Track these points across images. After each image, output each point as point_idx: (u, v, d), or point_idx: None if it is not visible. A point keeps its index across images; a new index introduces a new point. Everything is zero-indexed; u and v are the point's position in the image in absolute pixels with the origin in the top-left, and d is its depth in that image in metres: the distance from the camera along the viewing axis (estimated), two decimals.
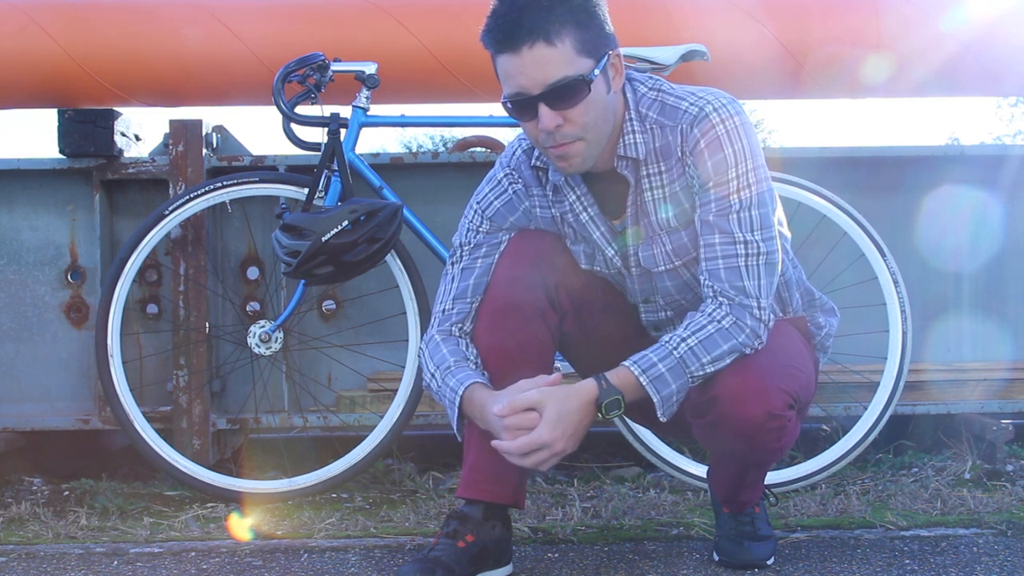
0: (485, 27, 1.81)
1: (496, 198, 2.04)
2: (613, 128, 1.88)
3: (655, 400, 1.80)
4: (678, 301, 2.03)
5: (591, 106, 1.79)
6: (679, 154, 1.89)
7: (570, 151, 1.82)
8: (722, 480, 2.12)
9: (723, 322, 1.84)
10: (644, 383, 1.79)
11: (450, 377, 1.93)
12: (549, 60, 1.75)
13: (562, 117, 1.78)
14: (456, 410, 1.91)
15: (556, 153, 1.83)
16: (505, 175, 2.04)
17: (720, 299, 1.86)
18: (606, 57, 1.81)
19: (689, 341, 1.81)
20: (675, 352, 1.81)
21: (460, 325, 2.01)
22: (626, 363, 1.82)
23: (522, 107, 1.80)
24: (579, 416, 1.79)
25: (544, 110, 1.77)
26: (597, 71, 1.79)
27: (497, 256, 2.02)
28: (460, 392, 1.90)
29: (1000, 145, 8.61)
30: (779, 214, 1.97)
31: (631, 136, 1.90)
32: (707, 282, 1.88)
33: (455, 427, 1.95)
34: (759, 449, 1.89)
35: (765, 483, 2.18)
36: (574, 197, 1.98)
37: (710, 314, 1.85)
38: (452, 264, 2.05)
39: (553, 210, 2.02)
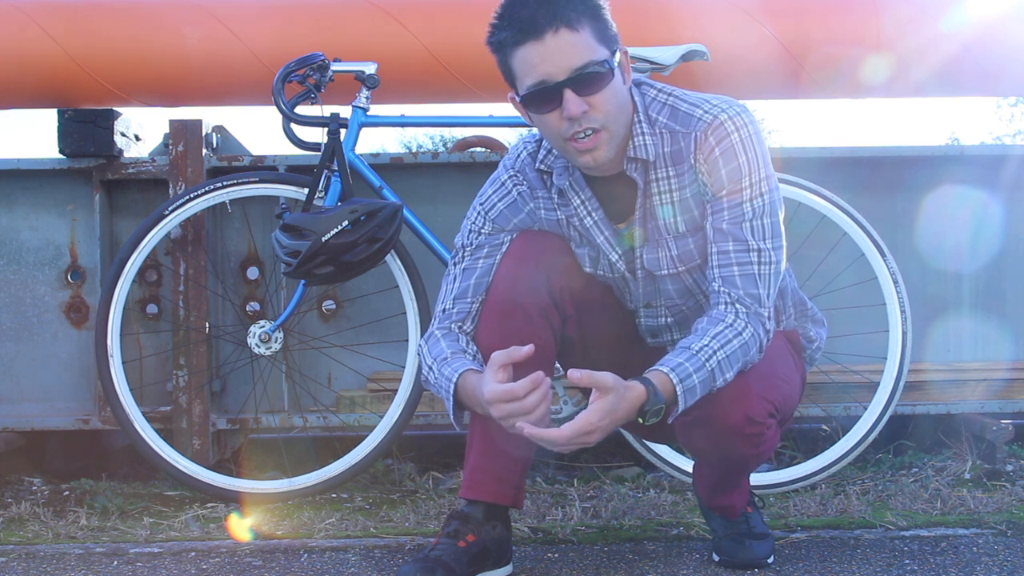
0: (497, 26, 1.80)
1: (500, 200, 2.04)
2: (628, 127, 1.88)
3: (680, 408, 1.77)
4: (679, 306, 2.03)
5: (613, 94, 1.80)
6: (692, 161, 1.89)
7: (596, 142, 1.81)
8: (704, 484, 2.13)
9: (744, 334, 1.83)
10: (679, 393, 1.75)
11: (446, 367, 1.92)
12: (574, 45, 1.76)
13: (587, 103, 1.78)
14: (451, 399, 1.90)
15: (579, 147, 1.81)
16: (509, 177, 2.04)
17: (738, 307, 1.85)
18: (617, 51, 1.83)
19: (719, 355, 1.79)
20: (708, 364, 1.78)
21: (460, 324, 2.01)
22: (663, 370, 1.76)
23: (546, 96, 1.79)
24: (623, 416, 1.73)
25: (570, 95, 1.77)
26: (615, 60, 1.81)
27: (499, 256, 2.02)
28: (454, 380, 1.89)
29: (1000, 145, 8.61)
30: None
31: (640, 138, 1.89)
32: (722, 288, 1.87)
33: (452, 417, 1.93)
34: (735, 453, 1.90)
35: (759, 484, 2.18)
36: (578, 201, 1.98)
37: (731, 324, 1.83)
38: (454, 265, 2.05)
39: (559, 213, 2.01)
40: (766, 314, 1.87)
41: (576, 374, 1.73)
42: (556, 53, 1.76)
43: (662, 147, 1.90)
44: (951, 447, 3.06)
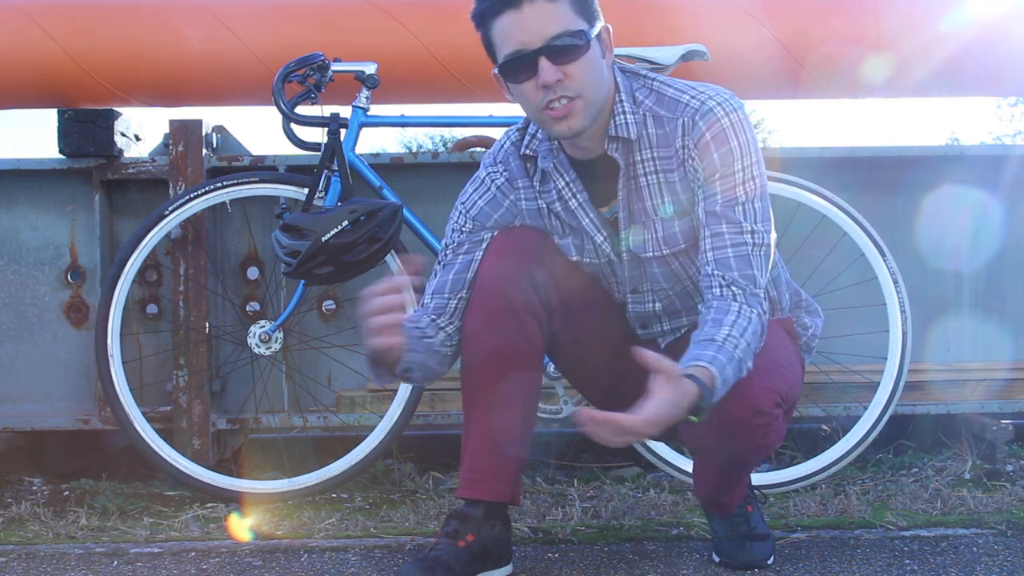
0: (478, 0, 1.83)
1: (480, 197, 2.05)
2: (606, 100, 1.88)
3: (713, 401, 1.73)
4: (666, 291, 2.03)
5: (589, 64, 1.81)
6: (678, 146, 1.90)
7: (571, 109, 1.82)
8: (705, 481, 2.12)
9: (754, 319, 1.82)
10: (718, 386, 1.71)
11: None
12: (550, 13, 1.78)
13: (561, 72, 1.79)
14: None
15: (555, 115, 1.82)
16: (488, 173, 2.05)
17: (734, 289, 1.84)
18: (598, 25, 1.84)
19: (741, 344, 1.77)
20: (735, 354, 1.75)
21: (435, 319, 2.01)
22: (703, 363, 1.71)
23: (521, 64, 1.80)
24: (682, 412, 1.66)
25: (545, 63, 1.78)
26: (593, 32, 1.82)
27: (479, 253, 2.03)
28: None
29: (1000, 145, 8.62)
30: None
31: (622, 117, 1.90)
32: (715, 271, 1.86)
33: (373, 375, 1.92)
34: (743, 446, 1.89)
35: (759, 483, 2.17)
36: (563, 183, 1.98)
37: (741, 312, 1.82)
38: (437, 263, 2.07)
39: (540, 201, 2.02)
40: (761, 294, 1.86)
41: (643, 354, 1.64)
42: (533, 21, 1.78)
43: (645, 128, 1.91)
44: (951, 447, 3.06)
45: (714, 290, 1.86)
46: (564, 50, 1.78)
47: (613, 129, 1.90)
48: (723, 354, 1.74)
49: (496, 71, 1.86)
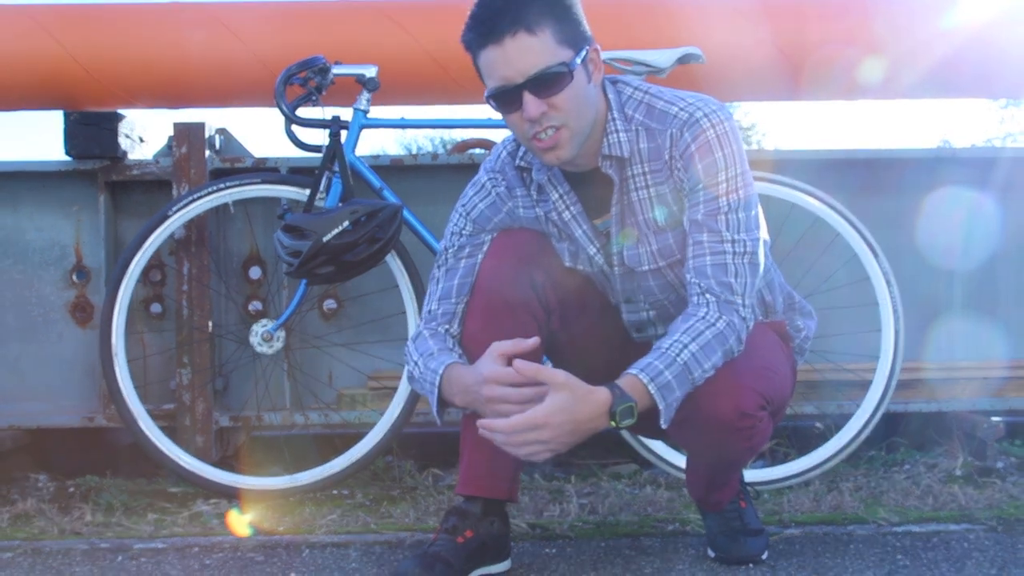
0: (466, 26, 1.85)
1: (480, 200, 2.07)
2: (595, 123, 1.90)
3: (661, 407, 1.77)
4: (661, 301, 2.05)
5: (573, 94, 1.82)
6: (667, 157, 1.91)
7: (557, 140, 1.84)
8: (696, 479, 2.14)
9: (717, 324, 1.84)
10: (653, 391, 1.76)
11: (431, 361, 1.94)
12: (531, 48, 1.79)
13: (546, 104, 1.81)
14: (436, 391, 1.92)
15: (541, 145, 1.85)
16: (488, 178, 2.07)
17: (707, 296, 1.87)
18: (584, 50, 1.85)
19: (691, 347, 1.80)
20: (679, 359, 1.79)
21: (447, 326, 2.03)
22: (633, 371, 1.78)
23: (506, 98, 1.83)
24: (585, 420, 1.74)
25: (528, 98, 1.80)
26: (577, 61, 1.83)
27: (481, 256, 2.05)
28: (440, 372, 1.91)
29: (991, 148, 8.56)
30: (760, 218, 1.99)
31: (615, 135, 1.92)
32: (693, 279, 1.89)
33: (435, 410, 1.95)
34: (728, 448, 1.92)
35: (753, 480, 2.20)
36: (556, 196, 2.00)
37: (703, 317, 1.85)
38: (438, 267, 2.08)
39: (537, 209, 2.04)
40: (739, 302, 1.87)
41: (522, 365, 1.75)
42: (515, 56, 1.79)
43: (637, 143, 1.93)
44: (943, 444, 3.09)
45: (692, 298, 1.89)
46: (548, 83, 1.80)
47: (607, 148, 1.92)
48: (662, 360, 1.78)
49: (486, 98, 1.89)
